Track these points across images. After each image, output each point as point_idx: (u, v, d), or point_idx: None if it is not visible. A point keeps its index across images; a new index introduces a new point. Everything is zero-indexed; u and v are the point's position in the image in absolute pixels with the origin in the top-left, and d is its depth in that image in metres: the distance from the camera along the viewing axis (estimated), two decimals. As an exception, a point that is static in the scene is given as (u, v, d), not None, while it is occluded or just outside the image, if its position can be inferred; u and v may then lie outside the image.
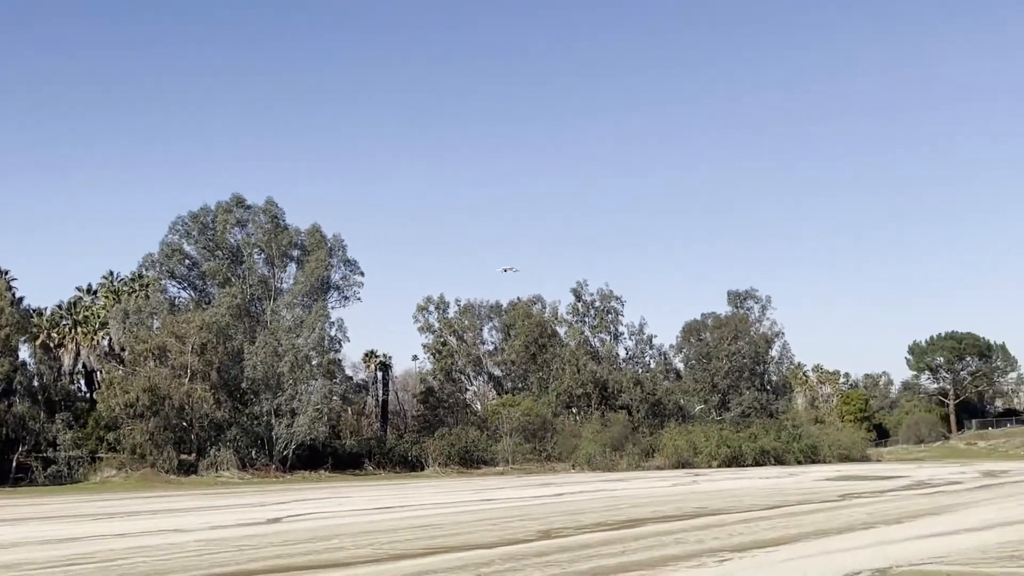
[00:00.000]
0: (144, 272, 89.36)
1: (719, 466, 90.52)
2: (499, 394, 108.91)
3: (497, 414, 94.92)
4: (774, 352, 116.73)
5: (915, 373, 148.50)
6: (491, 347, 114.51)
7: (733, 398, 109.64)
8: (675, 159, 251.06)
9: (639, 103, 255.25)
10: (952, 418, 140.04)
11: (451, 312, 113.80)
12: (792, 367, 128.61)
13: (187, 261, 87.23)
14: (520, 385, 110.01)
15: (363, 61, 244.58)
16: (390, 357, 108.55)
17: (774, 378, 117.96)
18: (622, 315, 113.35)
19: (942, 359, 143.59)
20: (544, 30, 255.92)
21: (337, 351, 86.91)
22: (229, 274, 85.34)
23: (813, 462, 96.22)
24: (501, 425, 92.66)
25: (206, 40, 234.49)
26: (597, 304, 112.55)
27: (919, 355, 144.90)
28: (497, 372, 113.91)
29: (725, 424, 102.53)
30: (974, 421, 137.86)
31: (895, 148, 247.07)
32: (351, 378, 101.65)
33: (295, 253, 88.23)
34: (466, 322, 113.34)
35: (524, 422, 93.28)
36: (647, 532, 28.24)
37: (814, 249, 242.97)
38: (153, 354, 75.95)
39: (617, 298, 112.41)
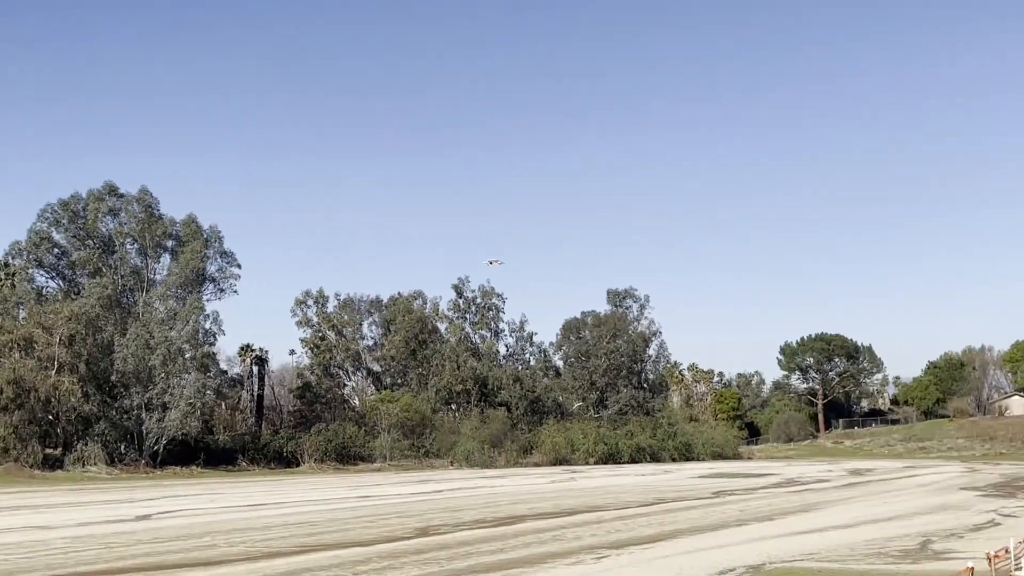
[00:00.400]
0: (10, 260, 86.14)
1: (596, 463, 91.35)
2: (378, 390, 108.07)
3: (376, 410, 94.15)
4: (651, 351, 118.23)
5: (786, 373, 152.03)
6: (371, 342, 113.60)
7: (611, 396, 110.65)
8: (556, 157, 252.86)
9: (511, 102, 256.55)
10: (820, 417, 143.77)
11: (330, 307, 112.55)
12: (669, 366, 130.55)
13: (56, 250, 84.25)
14: (400, 381, 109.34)
15: (242, 52, 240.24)
16: (267, 351, 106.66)
17: (651, 376, 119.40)
18: (503, 312, 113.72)
19: (812, 360, 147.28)
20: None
21: (212, 344, 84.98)
22: (100, 264, 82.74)
23: (687, 459, 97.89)
24: (380, 421, 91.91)
25: (84, 29, 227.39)
26: (479, 301, 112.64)
27: (790, 356, 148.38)
28: (376, 368, 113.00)
29: (603, 422, 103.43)
30: (841, 420, 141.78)
31: (766, 152, 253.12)
32: (226, 372, 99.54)
33: (169, 244, 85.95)
34: (345, 317, 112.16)
35: (403, 418, 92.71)
36: (526, 529, 28.27)
37: (692, 250, 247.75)
38: (18, 345, 73.22)
39: (498, 295, 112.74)
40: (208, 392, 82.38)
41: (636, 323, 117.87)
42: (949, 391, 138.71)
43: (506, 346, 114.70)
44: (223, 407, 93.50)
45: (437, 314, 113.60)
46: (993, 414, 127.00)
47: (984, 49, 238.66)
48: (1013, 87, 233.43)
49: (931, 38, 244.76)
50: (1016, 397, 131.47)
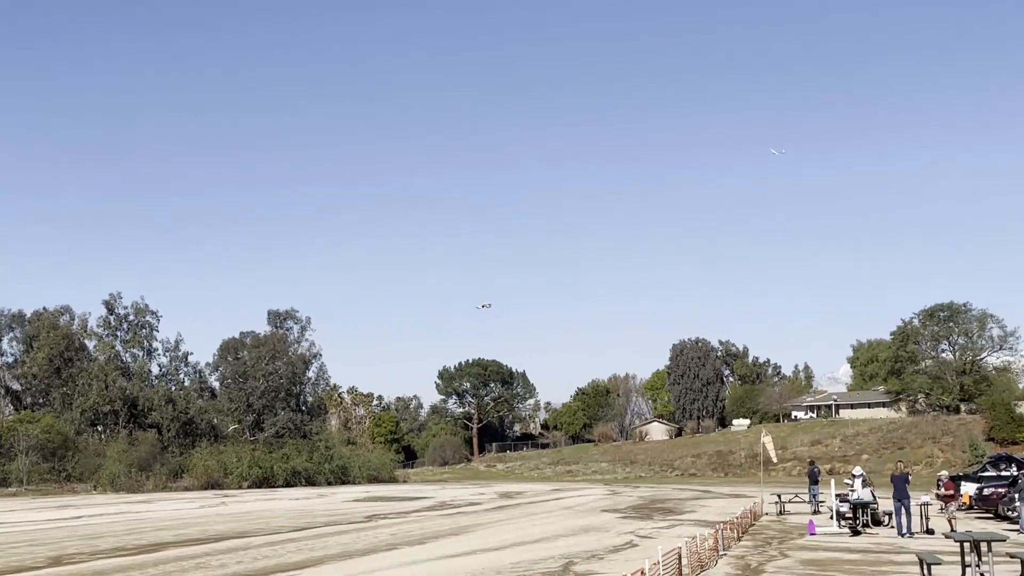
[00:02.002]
0: None
1: (250, 487, 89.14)
2: (17, 410, 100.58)
3: (13, 431, 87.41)
4: (311, 373, 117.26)
5: (443, 397, 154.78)
6: (10, 359, 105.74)
7: (268, 418, 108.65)
8: (210, 172, 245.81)
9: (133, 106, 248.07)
10: (475, 441, 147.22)
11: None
12: (328, 388, 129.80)
13: None
14: (42, 401, 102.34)
15: None
16: None
17: (310, 399, 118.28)
18: (157, 330, 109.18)
19: (469, 385, 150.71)
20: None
21: None
22: None
23: (344, 483, 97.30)
24: (17, 443, 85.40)
25: None
26: (131, 318, 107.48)
27: (448, 380, 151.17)
28: (16, 386, 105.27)
29: (258, 444, 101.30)
30: (494, 444, 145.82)
31: (416, 184, 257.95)
32: None
33: None
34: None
35: (43, 440, 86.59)
36: (168, 557, 26.89)
37: (355, 273, 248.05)
38: None
39: (153, 312, 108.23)
40: None
41: (297, 345, 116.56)
42: (595, 416, 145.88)
43: (159, 366, 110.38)
44: None
45: (86, 331, 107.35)
46: (634, 439, 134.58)
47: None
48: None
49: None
50: (655, 423, 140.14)
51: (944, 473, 36.18)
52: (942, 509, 30.84)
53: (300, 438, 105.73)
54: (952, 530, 29.59)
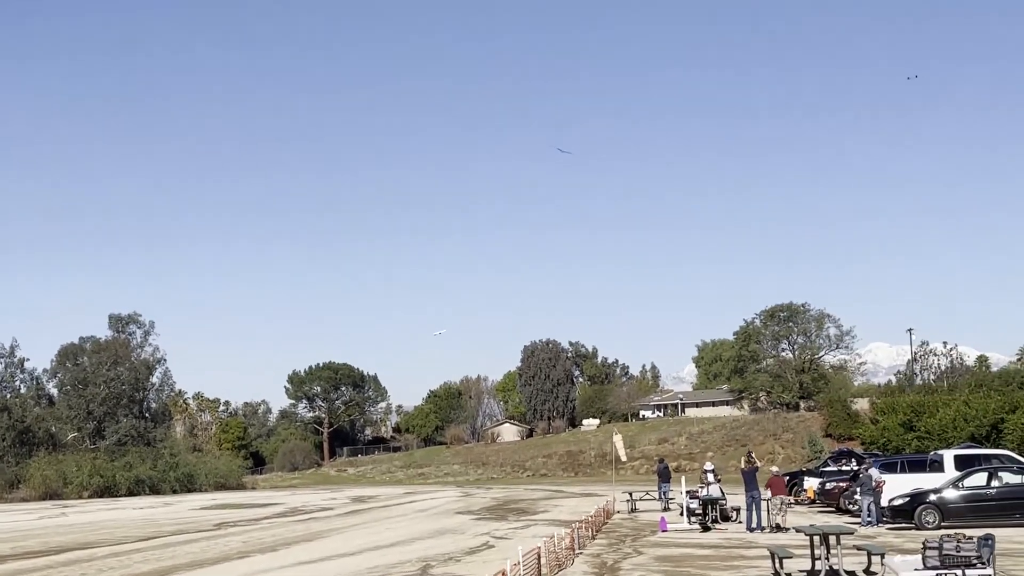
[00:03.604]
0: None
1: (91, 497, 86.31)
2: None
3: None
4: (155, 379, 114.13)
5: (293, 402, 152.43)
6: None
7: (110, 426, 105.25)
8: (46, 165, 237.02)
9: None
10: (326, 446, 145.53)
11: None
12: (173, 395, 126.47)
13: None
14: None
15: None
16: None
17: (154, 405, 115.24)
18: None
19: (319, 388, 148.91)
20: None
21: None
22: None
23: (190, 491, 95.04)
24: None
25: None
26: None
27: (297, 384, 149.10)
28: None
29: (100, 453, 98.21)
30: (346, 449, 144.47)
31: (300, 187, 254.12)
32: None
33: None
34: None
35: None
36: (7, 572, 25.72)
37: (202, 277, 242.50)
38: None
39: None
40: None
41: (140, 350, 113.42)
42: (447, 419, 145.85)
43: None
44: None
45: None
46: (486, 440, 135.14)
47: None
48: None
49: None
50: (507, 424, 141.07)
51: (775, 468, 37.16)
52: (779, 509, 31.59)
53: (144, 446, 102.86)
54: (780, 527, 30.54)
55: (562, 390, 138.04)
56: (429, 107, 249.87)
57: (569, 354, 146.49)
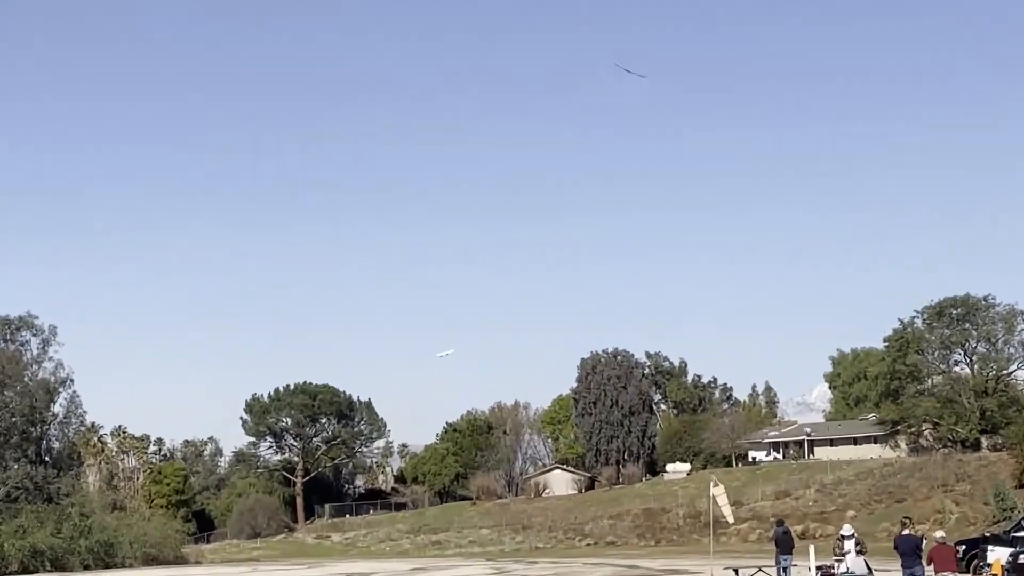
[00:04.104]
0: None
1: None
2: None
3: None
4: (58, 407, 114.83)
5: (253, 439, 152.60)
6: None
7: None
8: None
9: None
10: (300, 502, 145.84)
11: None
12: (84, 430, 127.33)
13: None
14: None
15: None
16: None
17: (56, 445, 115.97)
18: None
19: (289, 420, 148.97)
20: None
21: None
22: None
23: (107, 566, 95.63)
24: None
25: None
26: None
27: (259, 414, 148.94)
28: None
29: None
30: (328, 506, 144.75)
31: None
32: None
33: None
34: None
35: None
36: None
37: (123, 271, 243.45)
38: None
39: None
40: None
41: (36, 367, 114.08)
42: (472, 464, 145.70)
43: None
44: None
45: None
46: (528, 494, 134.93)
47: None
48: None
49: None
50: (557, 471, 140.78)
51: (940, 534, 36.74)
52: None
53: (43, 502, 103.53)
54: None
55: (637, 422, 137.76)
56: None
57: (647, 371, 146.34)
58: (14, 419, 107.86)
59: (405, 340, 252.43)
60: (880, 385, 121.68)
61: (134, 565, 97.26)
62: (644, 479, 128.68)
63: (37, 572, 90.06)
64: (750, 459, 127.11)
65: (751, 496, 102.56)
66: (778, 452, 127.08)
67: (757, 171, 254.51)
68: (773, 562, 45.71)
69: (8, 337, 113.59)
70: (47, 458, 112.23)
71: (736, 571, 45.05)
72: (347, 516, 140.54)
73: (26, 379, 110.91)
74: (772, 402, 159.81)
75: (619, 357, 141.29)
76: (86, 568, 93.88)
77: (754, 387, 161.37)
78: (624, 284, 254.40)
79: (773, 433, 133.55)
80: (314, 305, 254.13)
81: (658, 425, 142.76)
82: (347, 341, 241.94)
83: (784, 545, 45.58)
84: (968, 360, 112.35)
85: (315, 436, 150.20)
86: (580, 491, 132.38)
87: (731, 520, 58.40)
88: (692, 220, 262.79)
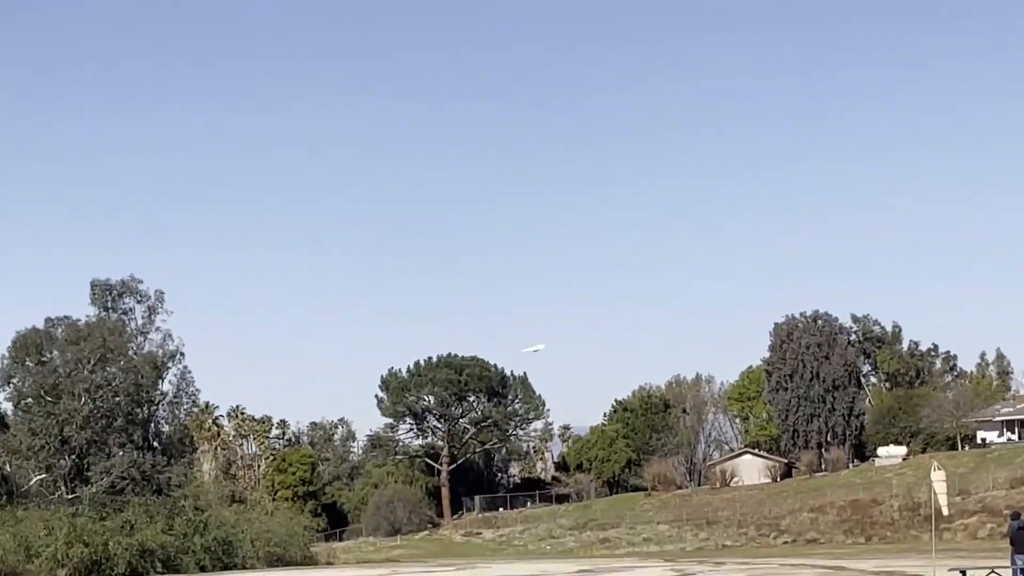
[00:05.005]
0: None
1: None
2: None
3: None
4: (167, 385, 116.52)
5: (391, 422, 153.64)
6: None
7: (97, 462, 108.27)
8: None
9: None
10: (445, 493, 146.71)
11: None
12: (197, 411, 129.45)
13: None
14: None
15: None
16: None
17: (166, 428, 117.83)
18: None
19: (432, 399, 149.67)
20: None
21: None
22: None
23: (227, 568, 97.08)
24: None
25: None
26: None
27: (397, 392, 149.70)
28: None
29: (82, 507, 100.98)
30: (478, 498, 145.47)
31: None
32: None
33: None
34: None
35: None
36: None
37: (239, 231, 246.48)
38: None
39: None
40: None
41: (142, 338, 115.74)
42: (646, 448, 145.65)
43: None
44: None
45: None
46: (712, 483, 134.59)
47: None
48: None
49: None
50: (747, 456, 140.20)
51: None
52: None
53: (152, 493, 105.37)
54: None
55: (841, 398, 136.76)
56: None
57: (853, 337, 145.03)
58: (118, 399, 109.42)
59: (565, 306, 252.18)
60: None
61: (256, 566, 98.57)
62: (851, 465, 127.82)
63: (147, 574, 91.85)
64: (979, 441, 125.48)
65: (980, 484, 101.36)
66: (1012, 432, 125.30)
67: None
68: (1008, 562, 45.16)
69: (109, 304, 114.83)
70: (155, 443, 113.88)
71: (963, 573, 44.57)
72: (500, 510, 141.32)
73: (130, 352, 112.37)
74: (1005, 373, 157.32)
75: (820, 322, 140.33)
76: (202, 569, 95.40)
77: (983, 355, 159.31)
78: (823, 235, 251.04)
79: (1007, 410, 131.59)
80: (458, 269, 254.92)
81: (867, 401, 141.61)
82: (497, 307, 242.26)
83: (1021, 543, 45.02)
84: None
85: (462, 417, 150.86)
86: (774, 480, 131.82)
87: (945, 512, 57.66)
88: (903, 155, 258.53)
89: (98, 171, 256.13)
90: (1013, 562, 44.43)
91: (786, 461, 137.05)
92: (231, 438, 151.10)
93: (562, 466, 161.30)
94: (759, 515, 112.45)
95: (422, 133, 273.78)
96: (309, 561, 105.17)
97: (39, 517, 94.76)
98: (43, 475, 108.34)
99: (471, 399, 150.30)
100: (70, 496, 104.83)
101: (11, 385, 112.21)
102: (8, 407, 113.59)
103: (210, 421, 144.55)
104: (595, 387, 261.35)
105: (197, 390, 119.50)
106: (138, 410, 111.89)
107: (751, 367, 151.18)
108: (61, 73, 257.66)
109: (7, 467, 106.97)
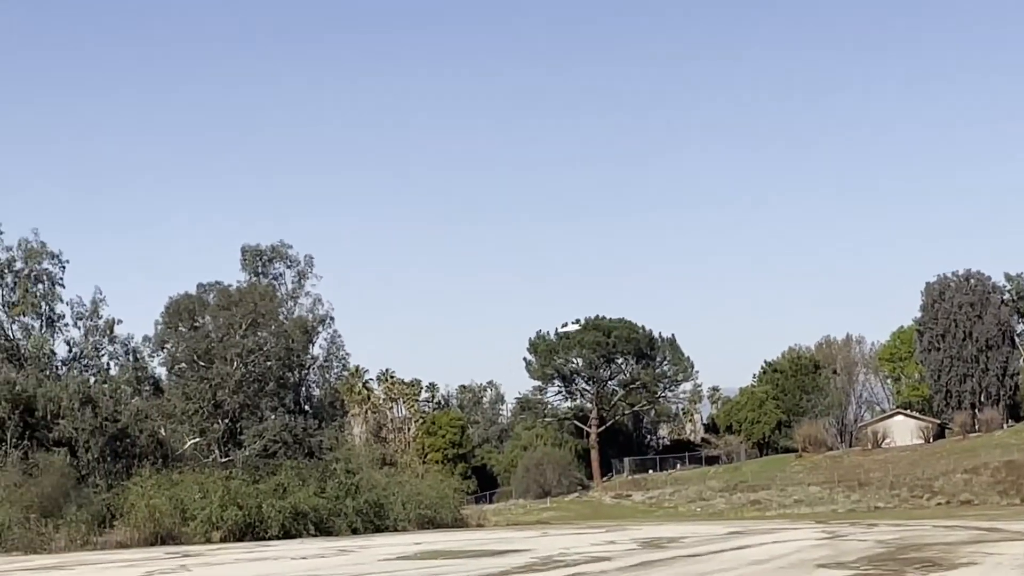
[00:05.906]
0: None
1: (225, 540, 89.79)
2: None
3: None
4: (317, 349, 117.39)
5: (539, 384, 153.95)
6: None
7: (249, 425, 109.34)
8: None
9: None
10: (595, 455, 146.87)
11: None
12: (347, 375, 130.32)
13: None
14: None
15: None
16: None
17: (317, 392, 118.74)
18: (62, 285, 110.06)
19: (581, 362, 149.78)
20: None
21: None
22: None
23: (379, 530, 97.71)
24: None
25: None
26: (20, 267, 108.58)
27: (546, 355, 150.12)
28: None
29: (235, 470, 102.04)
30: (628, 460, 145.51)
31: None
32: None
33: None
34: None
35: None
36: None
37: (384, 192, 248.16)
38: None
39: (52, 255, 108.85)
40: None
41: (292, 303, 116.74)
42: (796, 410, 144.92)
43: (68, 343, 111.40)
44: None
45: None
46: (864, 444, 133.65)
47: None
48: None
49: None
50: (899, 417, 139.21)
51: None
52: None
53: (304, 457, 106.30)
54: None
55: (995, 357, 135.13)
56: None
57: (1007, 296, 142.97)
58: (269, 363, 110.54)
59: (712, 265, 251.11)
60: None
61: (407, 528, 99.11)
62: (1005, 425, 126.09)
63: (300, 536, 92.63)
64: None
65: None
66: None
67: None
68: None
69: (260, 270, 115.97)
70: (307, 407, 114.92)
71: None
72: (650, 472, 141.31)
73: (281, 317, 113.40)
74: None
75: (972, 280, 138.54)
76: (354, 531, 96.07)
77: None
78: (975, 190, 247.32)
79: None
80: (605, 229, 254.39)
81: (1021, 361, 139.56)
82: (645, 268, 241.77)
83: None
84: None
85: (610, 379, 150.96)
86: (927, 440, 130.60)
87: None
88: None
89: (250, 140, 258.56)
90: None
91: (939, 422, 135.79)
92: (381, 401, 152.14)
93: (712, 428, 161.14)
94: (912, 476, 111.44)
95: (563, 98, 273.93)
96: (460, 523, 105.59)
97: (194, 480, 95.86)
98: (197, 439, 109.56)
99: (619, 361, 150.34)
100: (224, 460, 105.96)
101: (165, 350, 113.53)
102: (163, 372, 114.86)
103: (360, 385, 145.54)
104: (744, 348, 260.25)
105: (347, 354, 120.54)
106: (289, 374, 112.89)
107: (902, 327, 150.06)
108: (219, 43, 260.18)
109: (162, 431, 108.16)
